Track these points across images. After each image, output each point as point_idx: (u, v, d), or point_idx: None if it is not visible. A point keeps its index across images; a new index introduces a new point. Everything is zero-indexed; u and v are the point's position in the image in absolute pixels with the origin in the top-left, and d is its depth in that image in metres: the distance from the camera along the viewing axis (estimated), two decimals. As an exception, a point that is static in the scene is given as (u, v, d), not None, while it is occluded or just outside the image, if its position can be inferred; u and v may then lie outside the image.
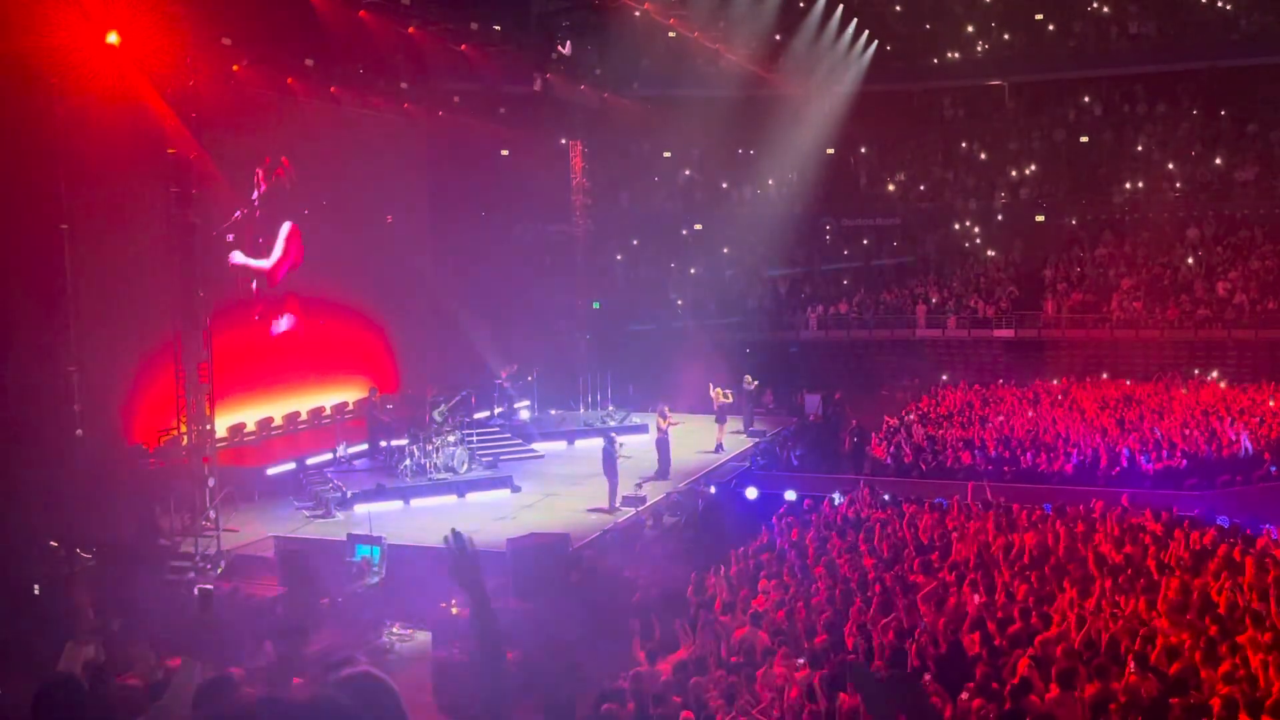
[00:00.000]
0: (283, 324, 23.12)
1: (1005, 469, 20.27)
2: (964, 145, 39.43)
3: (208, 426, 17.55)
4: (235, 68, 19.56)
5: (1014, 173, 38.10)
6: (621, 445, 19.64)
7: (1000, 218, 37.24)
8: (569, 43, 26.11)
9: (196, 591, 12.25)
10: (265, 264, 22.19)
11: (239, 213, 20.70)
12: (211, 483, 17.20)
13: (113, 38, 15.63)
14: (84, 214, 17.29)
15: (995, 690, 8.25)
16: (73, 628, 11.70)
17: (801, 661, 9.36)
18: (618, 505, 18.82)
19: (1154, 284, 33.05)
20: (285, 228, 22.59)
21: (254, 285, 22.11)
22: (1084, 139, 37.85)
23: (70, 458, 16.44)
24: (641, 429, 24.46)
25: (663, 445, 21.26)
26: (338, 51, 21.14)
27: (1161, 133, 37.03)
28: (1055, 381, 28.91)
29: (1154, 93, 37.71)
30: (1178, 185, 35.59)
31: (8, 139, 15.92)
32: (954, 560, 12.66)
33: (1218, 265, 33.17)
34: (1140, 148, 37.04)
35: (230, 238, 20.68)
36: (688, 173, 38.75)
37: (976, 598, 10.82)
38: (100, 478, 16.70)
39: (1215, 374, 28.82)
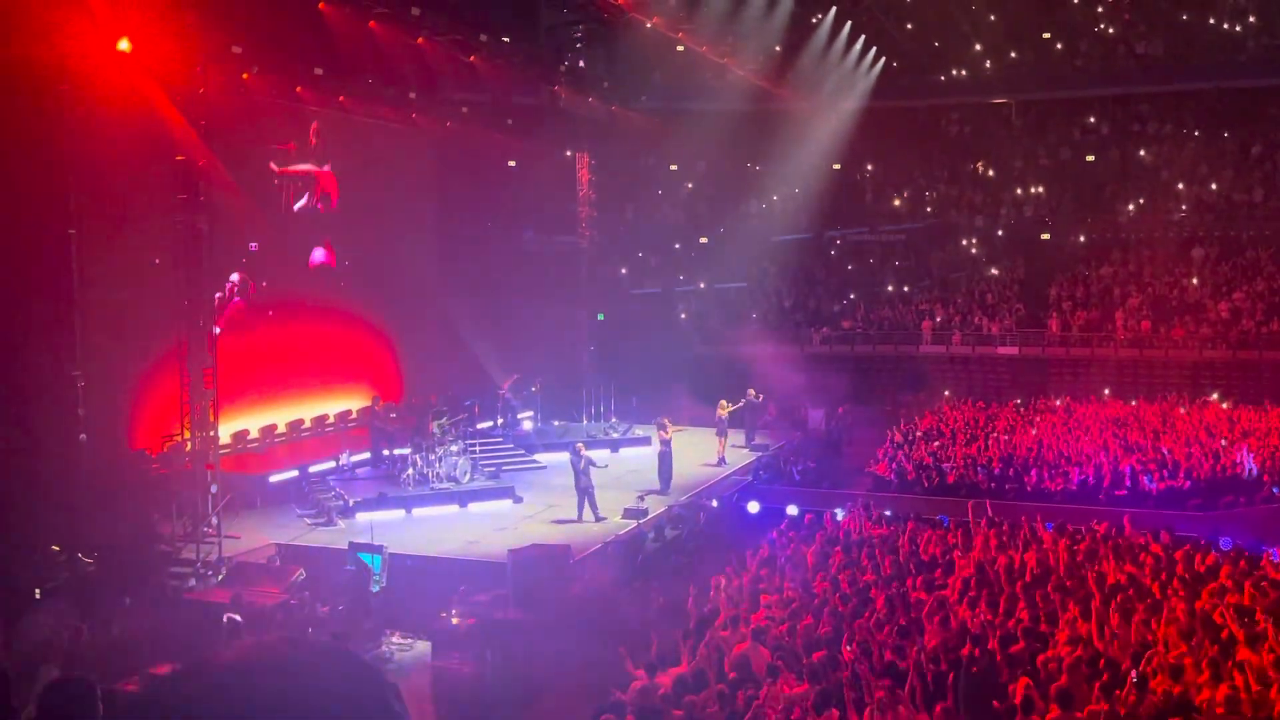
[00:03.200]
0: (319, 255, 23.88)
1: (1008, 487, 20.25)
2: (970, 162, 39.48)
3: (211, 433, 17.56)
4: (245, 76, 19.64)
5: (1019, 190, 38.15)
6: (583, 453, 19.36)
7: (1005, 235, 37.27)
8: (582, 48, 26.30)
9: (225, 620, 12.14)
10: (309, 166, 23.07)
11: (293, 145, 22.35)
12: (214, 489, 17.19)
13: (124, 45, 15.71)
14: (92, 219, 17.36)
15: (996, 709, 8.23)
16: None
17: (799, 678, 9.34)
18: (603, 516, 18.68)
19: (1159, 303, 33.05)
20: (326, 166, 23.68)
21: (296, 205, 23.10)
22: (1090, 158, 37.90)
23: (74, 462, 16.46)
24: (644, 441, 24.45)
25: (664, 458, 21.19)
26: (347, 61, 21.22)
27: (1167, 152, 37.07)
28: (1059, 400, 28.86)
29: (1160, 112, 37.79)
30: (1183, 205, 35.61)
31: (18, 144, 15.99)
32: (955, 578, 12.63)
33: (1223, 286, 33.17)
34: (1146, 167, 37.08)
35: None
36: (694, 186, 38.80)
37: (979, 615, 10.80)
38: (103, 483, 16.72)
39: (1216, 395, 28.79)
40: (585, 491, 18.79)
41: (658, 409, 23.54)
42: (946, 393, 30.89)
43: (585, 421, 27.33)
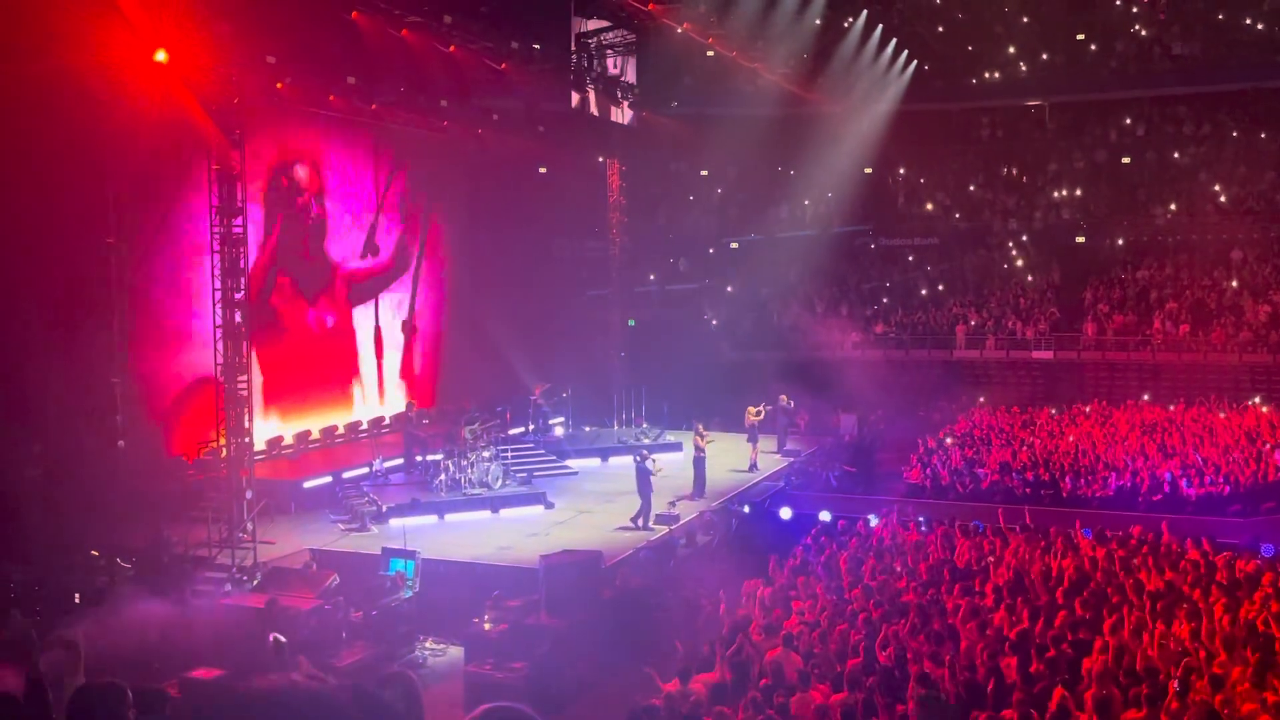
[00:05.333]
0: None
1: (1043, 493, 20.03)
2: (1004, 166, 39.18)
3: (246, 439, 17.71)
4: (279, 85, 19.82)
5: (1054, 193, 37.79)
6: (654, 462, 19.57)
7: (1040, 239, 36.95)
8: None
9: (272, 640, 11.78)
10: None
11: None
12: (249, 495, 17.33)
13: (161, 56, 15.90)
14: (130, 228, 17.58)
15: (1033, 718, 8.12)
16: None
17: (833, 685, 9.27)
18: (650, 525, 18.76)
19: (1197, 306, 32.61)
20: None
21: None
22: (1126, 160, 37.48)
23: (113, 468, 16.65)
24: (675, 447, 24.40)
25: (699, 464, 21.15)
26: (379, 69, 21.37)
27: (1205, 154, 36.60)
28: (1095, 404, 28.52)
29: (1197, 114, 37.30)
30: (1222, 200, 35.16)
31: (58, 154, 16.23)
32: (991, 584, 12.50)
33: (1262, 288, 32.68)
34: (1183, 169, 36.63)
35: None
36: (724, 191, 38.74)
37: (1015, 622, 10.68)
38: (141, 488, 16.90)
39: (1259, 399, 28.34)
40: (645, 499, 18.90)
41: (688, 414, 23.47)
42: (981, 398, 30.62)
43: (616, 427, 27.33)
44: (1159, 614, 10.83)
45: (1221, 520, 17.81)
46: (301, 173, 23.08)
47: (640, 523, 18.77)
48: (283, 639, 11.33)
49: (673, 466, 22.28)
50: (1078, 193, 37.58)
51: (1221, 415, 26.04)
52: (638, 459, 19.44)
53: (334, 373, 23.80)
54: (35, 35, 14.95)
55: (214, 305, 17.85)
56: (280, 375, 21.85)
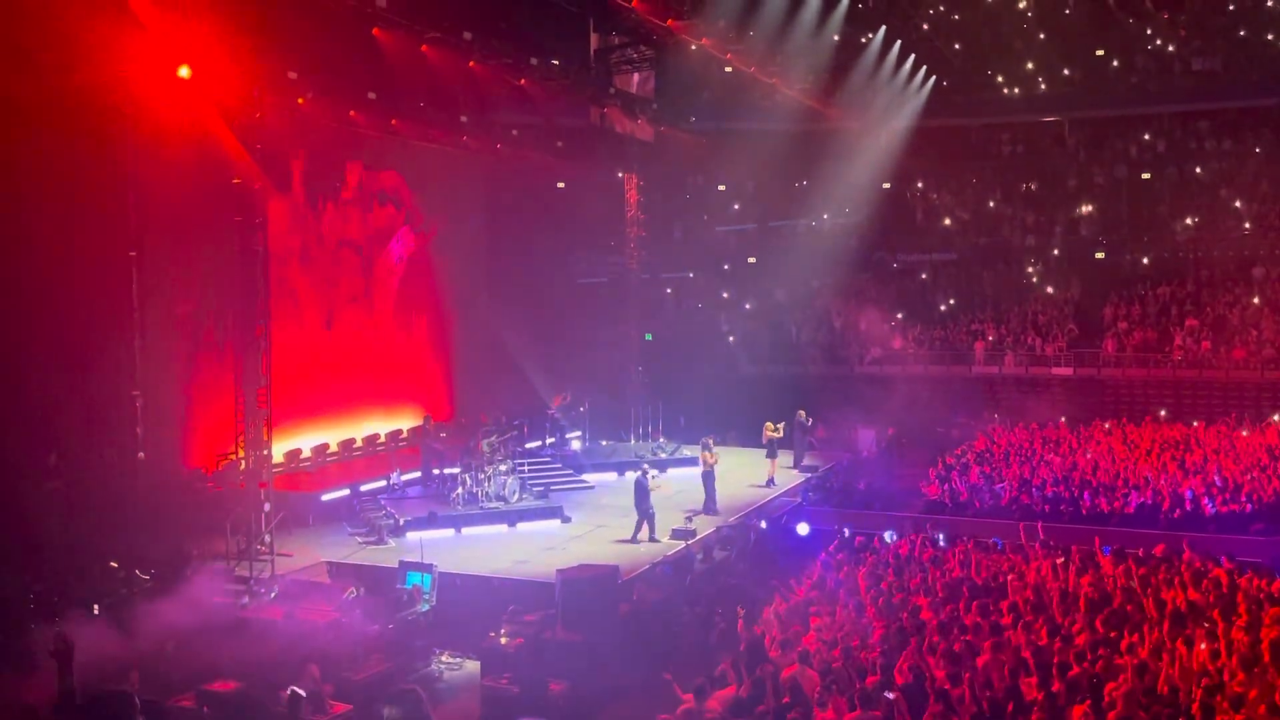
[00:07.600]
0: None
1: (1063, 510, 19.89)
2: (1023, 182, 39.05)
3: (265, 452, 17.78)
4: (300, 100, 19.97)
5: (1074, 209, 37.64)
6: (654, 476, 19.52)
7: (1059, 255, 36.79)
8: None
9: (289, 693, 11.03)
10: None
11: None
12: (267, 507, 17.39)
13: (184, 72, 16.05)
14: (152, 241, 17.74)
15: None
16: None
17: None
18: (658, 538, 18.70)
19: (1218, 323, 32.39)
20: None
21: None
22: (1146, 176, 37.29)
23: (133, 480, 16.75)
24: (692, 461, 24.36)
25: (708, 479, 21.11)
26: (399, 85, 21.51)
27: (1227, 170, 36.40)
28: (1115, 421, 28.32)
29: (1219, 129, 37.11)
30: (1244, 224, 34.96)
31: (81, 167, 16.41)
32: (1010, 602, 12.42)
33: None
34: (1204, 185, 36.43)
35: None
36: (742, 206, 38.74)
37: (1035, 640, 10.60)
38: (160, 500, 17.00)
39: (1278, 417, 28.08)
40: (647, 514, 18.90)
41: (706, 429, 23.46)
42: (997, 415, 30.46)
43: (633, 441, 27.31)
44: (1180, 633, 10.73)
45: (1243, 538, 17.64)
46: (319, 187, 23.24)
47: (651, 537, 18.70)
48: (301, 692, 10.76)
49: (689, 481, 22.26)
50: (1096, 209, 37.40)
51: (1244, 433, 25.82)
52: (642, 477, 19.39)
53: (352, 386, 23.87)
54: (60, 50, 15.13)
55: (233, 319, 17.94)
56: (299, 387, 21.93)
